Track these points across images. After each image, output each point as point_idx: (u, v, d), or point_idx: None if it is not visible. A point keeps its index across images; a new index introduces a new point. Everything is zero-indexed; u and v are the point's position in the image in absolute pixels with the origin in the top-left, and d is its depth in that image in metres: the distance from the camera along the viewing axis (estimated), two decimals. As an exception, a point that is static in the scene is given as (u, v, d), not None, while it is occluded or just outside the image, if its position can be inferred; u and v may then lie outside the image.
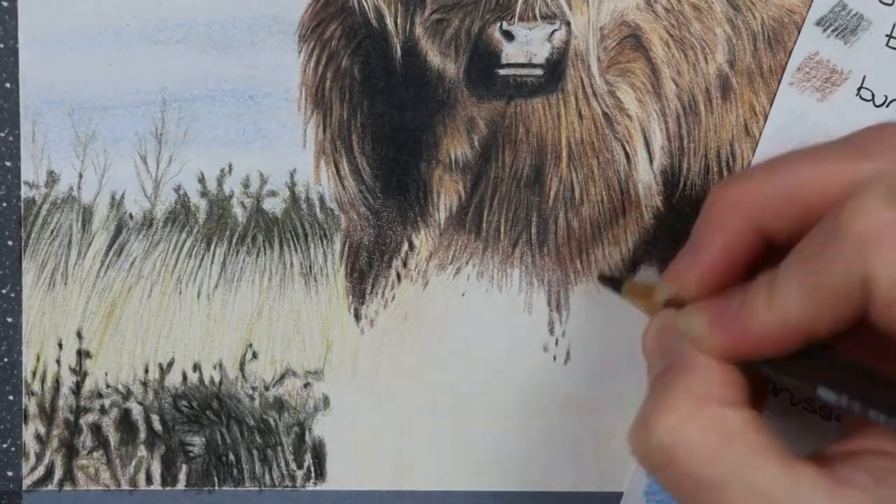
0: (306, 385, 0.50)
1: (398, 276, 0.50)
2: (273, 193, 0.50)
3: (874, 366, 0.34)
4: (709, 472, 0.33)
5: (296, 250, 0.50)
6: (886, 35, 0.48)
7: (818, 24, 0.48)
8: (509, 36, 0.48)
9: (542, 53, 0.48)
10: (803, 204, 0.34)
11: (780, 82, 0.49)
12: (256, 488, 0.50)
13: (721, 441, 0.33)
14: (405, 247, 0.50)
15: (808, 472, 0.33)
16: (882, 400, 0.33)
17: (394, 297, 0.50)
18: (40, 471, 0.50)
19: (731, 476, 0.33)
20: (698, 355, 0.35)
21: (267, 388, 0.50)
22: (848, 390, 0.33)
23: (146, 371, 0.50)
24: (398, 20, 0.49)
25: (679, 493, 0.34)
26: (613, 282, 0.46)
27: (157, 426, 0.50)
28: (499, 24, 0.48)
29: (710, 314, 0.35)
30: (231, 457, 0.50)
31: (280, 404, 0.50)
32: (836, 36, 0.48)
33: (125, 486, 0.50)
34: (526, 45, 0.48)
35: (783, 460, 0.33)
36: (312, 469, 0.50)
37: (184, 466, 0.50)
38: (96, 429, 0.50)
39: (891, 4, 0.47)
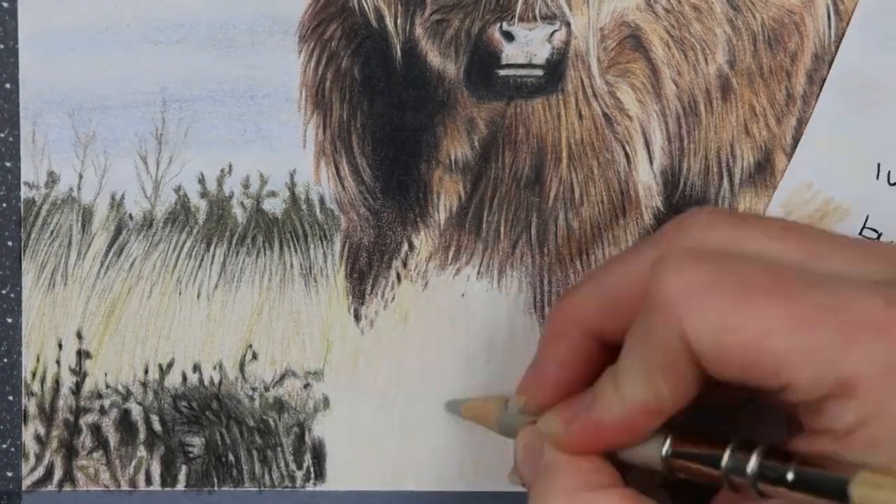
0: (306, 386, 0.50)
1: (398, 276, 0.50)
2: (273, 194, 0.50)
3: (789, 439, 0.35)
4: None
5: (296, 251, 0.50)
6: None
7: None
8: (509, 36, 0.48)
9: (542, 54, 0.48)
10: (625, 305, 0.36)
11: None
12: (256, 489, 0.50)
13: None
14: (405, 247, 0.50)
15: None
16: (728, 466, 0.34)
17: (394, 298, 0.50)
18: (40, 471, 0.50)
19: None
20: (558, 457, 0.37)
21: (267, 389, 0.50)
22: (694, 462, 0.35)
23: (146, 372, 0.50)
24: (398, 21, 0.49)
25: None
26: (451, 406, 0.48)
27: (157, 427, 0.50)
28: (499, 25, 0.48)
29: (565, 414, 0.37)
30: (231, 457, 0.50)
31: (280, 405, 0.50)
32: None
33: (125, 487, 0.50)
34: (526, 46, 0.48)
35: None
36: (312, 469, 0.50)
37: (183, 467, 0.50)
38: (96, 429, 0.50)
39: None
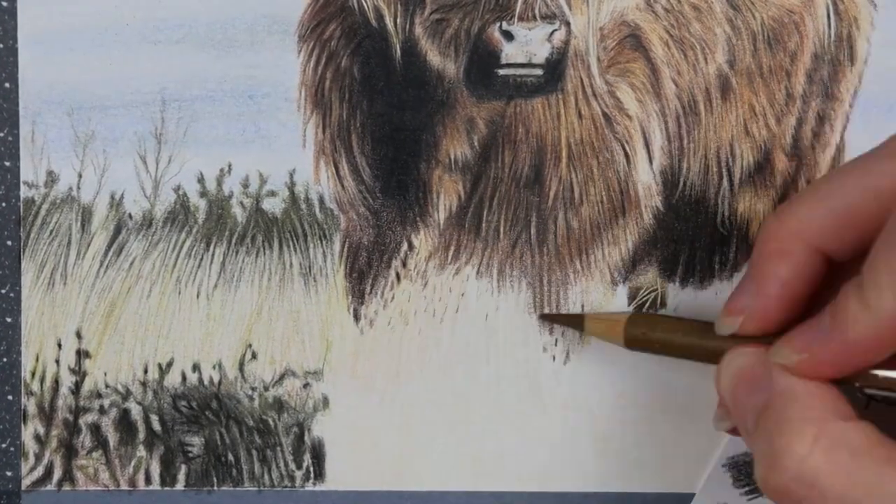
0: (306, 385, 0.50)
1: (398, 276, 0.50)
2: (272, 193, 0.50)
3: None
4: (849, 493, 0.33)
5: (295, 250, 0.50)
6: None
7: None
8: (509, 36, 0.48)
9: (541, 53, 0.48)
10: (859, 221, 0.35)
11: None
12: (255, 488, 0.50)
13: (851, 458, 0.33)
14: (405, 247, 0.50)
15: None
16: None
17: (393, 298, 0.50)
18: (39, 471, 0.50)
19: (870, 491, 0.33)
20: (795, 383, 0.35)
21: (266, 389, 0.50)
22: None
23: (145, 371, 0.50)
24: (398, 20, 0.49)
25: None
26: (570, 318, 0.47)
27: (157, 426, 0.50)
28: (498, 24, 0.48)
29: (804, 340, 0.35)
30: (230, 457, 0.50)
31: (279, 404, 0.50)
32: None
33: (124, 487, 0.50)
34: (525, 45, 0.48)
35: None
36: (311, 469, 0.50)
37: (183, 467, 0.50)
38: (95, 429, 0.50)
39: None
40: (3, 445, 0.50)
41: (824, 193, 0.36)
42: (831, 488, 0.34)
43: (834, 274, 0.36)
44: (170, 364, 0.50)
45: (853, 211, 0.35)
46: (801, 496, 0.34)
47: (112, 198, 0.50)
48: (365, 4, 0.49)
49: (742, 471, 0.49)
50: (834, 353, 0.34)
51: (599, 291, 0.50)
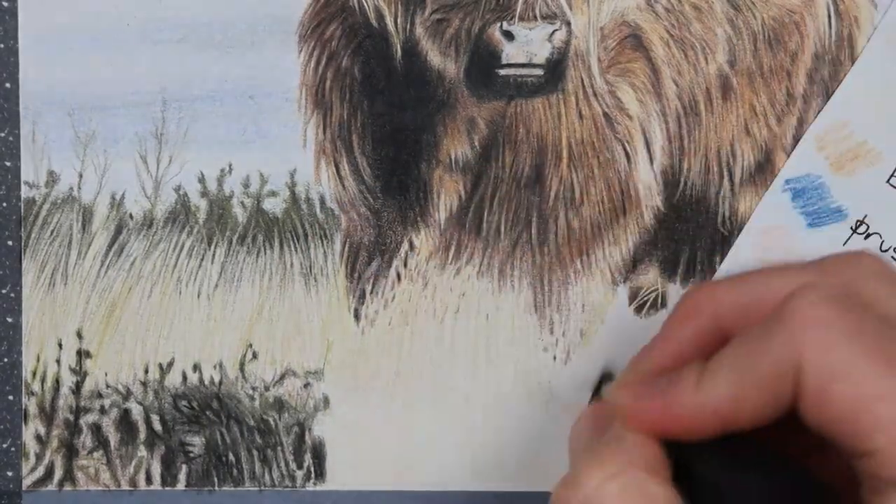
0: (306, 385, 0.50)
1: (398, 276, 0.50)
2: (273, 193, 0.50)
3: (804, 462, 0.35)
4: None
5: (296, 250, 0.50)
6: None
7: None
8: (509, 36, 0.48)
9: (542, 53, 0.48)
10: (761, 310, 0.36)
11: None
12: (256, 488, 0.50)
13: None
14: (405, 247, 0.50)
15: None
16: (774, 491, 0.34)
17: (394, 297, 0.50)
18: (40, 471, 0.50)
19: None
20: (628, 433, 0.36)
21: (267, 389, 0.50)
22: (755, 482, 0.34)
23: (146, 371, 0.50)
24: (398, 20, 0.49)
25: None
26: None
27: (157, 426, 0.50)
28: (499, 24, 0.48)
29: (638, 390, 0.37)
30: (231, 457, 0.50)
31: (280, 404, 0.50)
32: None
33: (125, 487, 0.50)
34: (526, 45, 0.48)
35: None
36: (312, 469, 0.50)
37: (184, 466, 0.50)
38: (96, 429, 0.50)
39: None
40: (4, 445, 0.50)
41: (741, 280, 0.38)
42: None
43: None
44: (170, 364, 0.50)
45: (757, 299, 0.36)
46: None
47: (113, 198, 0.50)
48: (366, 4, 0.49)
49: None
50: (655, 412, 0.36)
51: (600, 291, 0.50)
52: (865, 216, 0.49)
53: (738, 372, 0.34)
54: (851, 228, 0.49)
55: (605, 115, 0.49)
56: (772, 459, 0.35)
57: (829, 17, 0.49)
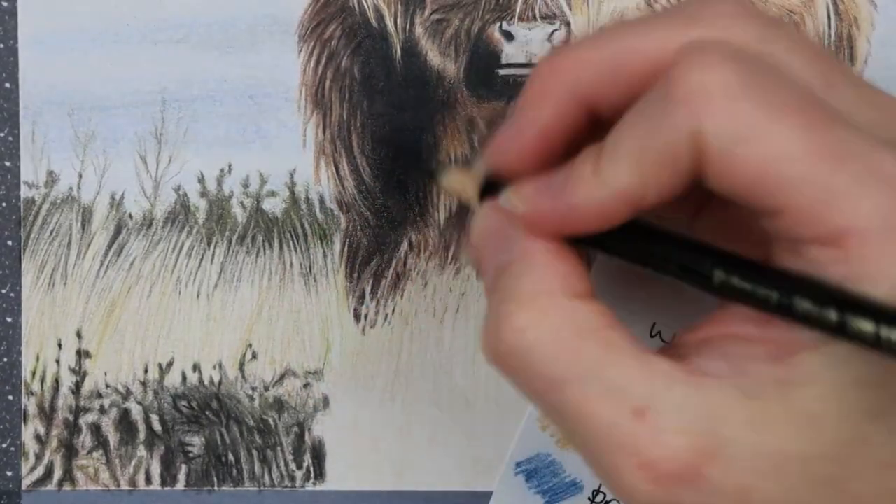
0: (306, 385, 0.50)
1: (398, 276, 0.50)
2: (273, 193, 0.50)
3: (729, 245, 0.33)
4: (563, 372, 0.32)
5: (296, 250, 0.50)
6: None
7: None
8: (509, 36, 0.48)
9: (542, 53, 0.48)
10: (631, 73, 0.33)
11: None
12: (256, 488, 0.50)
13: (574, 338, 0.32)
14: (405, 247, 0.50)
15: (663, 366, 0.31)
16: (705, 266, 0.32)
17: (394, 297, 0.50)
18: (40, 471, 0.50)
19: (586, 373, 0.31)
20: (535, 248, 0.33)
21: (267, 389, 0.50)
22: (675, 261, 0.32)
23: (146, 371, 0.50)
24: (398, 20, 0.49)
25: (534, 396, 0.33)
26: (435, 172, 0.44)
27: (157, 426, 0.50)
28: (499, 25, 0.48)
29: (535, 188, 0.34)
30: (230, 457, 0.50)
31: (280, 404, 0.50)
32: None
33: (125, 486, 0.50)
34: (526, 46, 0.48)
35: (637, 356, 0.32)
36: (312, 469, 0.50)
37: (183, 466, 0.50)
38: (96, 429, 0.50)
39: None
40: (4, 445, 0.50)
41: (600, 45, 0.34)
42: (542, 367, 0.32)
43: (600, 133, 0.34)
44: (170, 364, 0.50)
45: (624, 62, 0.33)
46: (513, 369, 0.33)
47: (112, 198, 0.50)
48: (365, 4, 0.49)
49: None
50: (556, 212, 0.33)
51: (600, 291, 0.50)
52: (601, 485, 0.47)
53: (636, 151, 0.31)
54: (589, 499, 0.47)
55: (605, 115, 0.49)
56: (678, 239, 0.33)
57: (829, 17, 0.49)
